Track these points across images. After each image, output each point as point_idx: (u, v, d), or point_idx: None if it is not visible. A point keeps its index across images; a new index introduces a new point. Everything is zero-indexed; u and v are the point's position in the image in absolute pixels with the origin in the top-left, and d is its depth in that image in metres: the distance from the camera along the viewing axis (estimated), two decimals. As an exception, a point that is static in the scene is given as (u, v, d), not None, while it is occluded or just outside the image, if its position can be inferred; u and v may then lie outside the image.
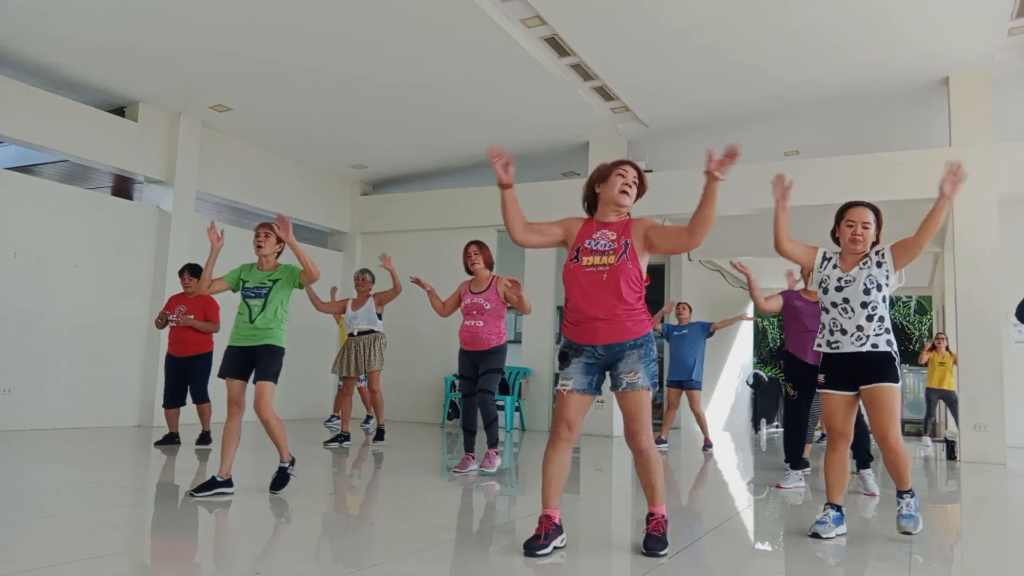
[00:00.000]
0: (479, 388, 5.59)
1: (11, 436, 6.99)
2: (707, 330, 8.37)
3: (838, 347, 3.71)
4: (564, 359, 3.32)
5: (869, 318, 3.65)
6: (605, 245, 3.27)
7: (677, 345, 8.36)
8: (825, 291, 3.79)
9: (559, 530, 3.22)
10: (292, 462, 4.56)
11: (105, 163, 8.50)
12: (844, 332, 3.68)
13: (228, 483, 4.31)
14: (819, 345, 3.81)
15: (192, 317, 6.70)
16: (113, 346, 8.51)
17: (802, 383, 5.38)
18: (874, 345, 3.63)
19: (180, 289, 6.98)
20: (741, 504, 5.04)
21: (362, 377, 7.64)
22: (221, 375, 4.46)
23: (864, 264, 3.73)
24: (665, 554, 3.15)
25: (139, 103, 8.75)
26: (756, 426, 13.63)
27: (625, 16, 6.88)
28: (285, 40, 7.30)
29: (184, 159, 9.10)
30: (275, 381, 4.40)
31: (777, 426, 14.14)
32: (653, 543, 3.15)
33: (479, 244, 5.73)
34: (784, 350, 5.64)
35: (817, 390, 3.85)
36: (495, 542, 3.54)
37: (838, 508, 3.70)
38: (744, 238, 12.16)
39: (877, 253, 3.74)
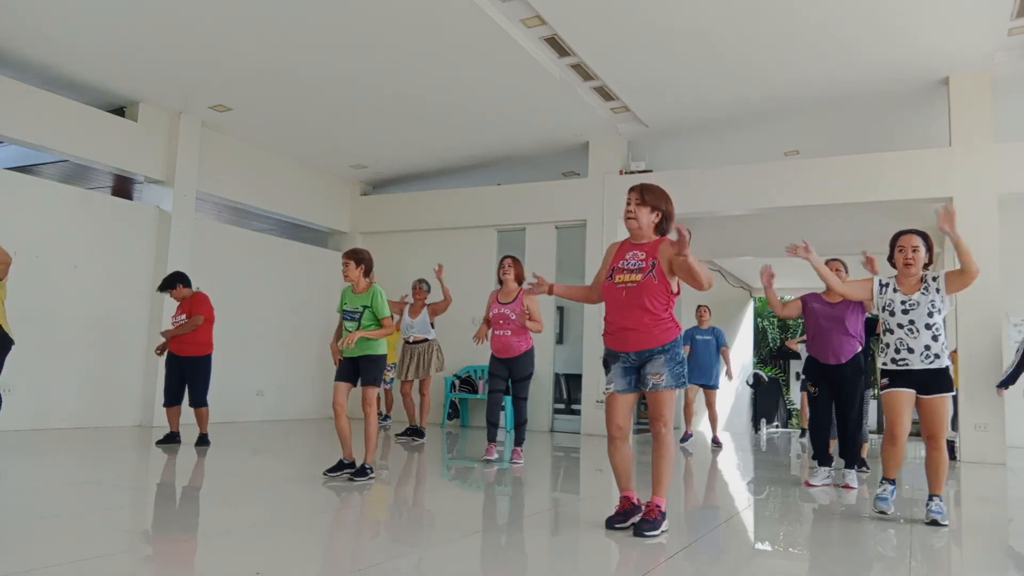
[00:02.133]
0: (516, 396, 6.32)
1: (11, 436, 6.99)
2: (722, 342, 8.80)
3: (906, 364, 4.11)
4: (606, 365, 3.78)
5: (934, 338, 4.08)
6: (635, 264, 3.64)
7: (699, 349, 8.62)
8: (892, 313, 4.17)
9: (637, 508, 3.67)
10: (372, 468, 5.06)
11: (105, 163, 8.50)
12: (911, 351, 4.09)
13: (353, 464, 5.09)
14: (884, 363, 4.19)
15: (184, 317, 6.77)
16: (113, 346, 8.50)
17: (822, 381, 5.49)
18: (940, 361, 4.07)
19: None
20: (741, 504, 5.04)
21: (390, 380, 8.55)
22: (336, 379, 5.16)
23: (925, 290, 4.11)
24: (654, 534, 3.46)
25: (139, 103, 8.75)
26: (756, 426, 13.63)
27: (625, 16, 6.88)
28: (285, 40, 7.30)
29: (184, 159, 9.09)
30: (377, 384, 5.10)
31: (777, 426, 14.15)
32: (643, 525, 3.49)
33: (514, 259, 6.37)
34: (809, 360, 5.68)
35: (880, 391, 4.25)
36: (498, 540, 3.54)
37: (893, 481, 4.27)
38: (744, 238, 12.17)
39: (935, 280, 4.11)
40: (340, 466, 5.09)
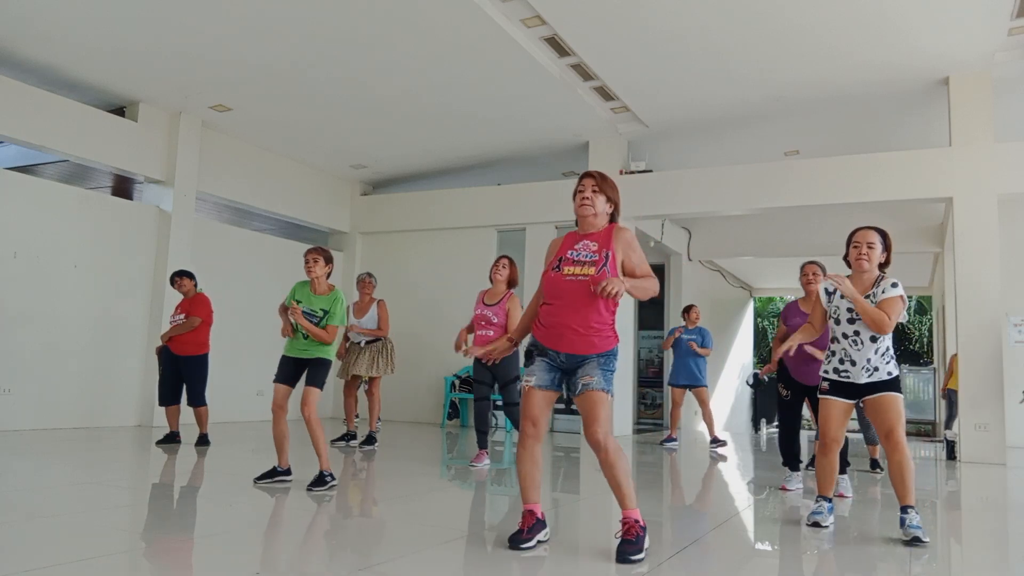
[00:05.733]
0: (506, 402, 6.01)
1: (11, 436, 6.99)
2: (708, 344, 8.59)
3: (848, 376, 3.84)
4: (529, 357, 3.43)
5: (877, 351, 3.79)
6: (587, 256, 3.31)
7: (684, 349, 8.47)
8: (837, 322, 3.90)
9: (542, 524, 3.34)
10: (331, 474, 4.78)
11: (105, 163, 8.50)
12: (854, 363, 3.82)
13: (287, 472, 4.86)
14: (826, 372, 3.94)
15: (183, 317, 6.78)
16: (113, 346, 8.51)
17: (793, 386, 5.33)
18: (883, 373, 3.80)
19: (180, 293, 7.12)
20: (741, 504, 5.04)
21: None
22: (275, 380, 4.90)
23: (874, 298, 3.81)
24: (640, 559, 3.07)
25: (139, 103, 8.76)
26: (756, 426, 13.63)
27: (625, 16, 6.87)
28: (285, 41, 7.30)
29: (184, 159, 9.10)
30: (320, 388, 4.86)
31: (777, 426, 14.15)
32: (626, 547, 3.09)
33: (511, 260, 6.08)
34: (780, 362, 5.53)
35: (818, 396, 3.99)
36: (496, 541, 3.54)
37: (829, 500, 4.03)
38: (744, 237, 12.18)
39: (884, 292, 3.80)
40: (273, 473, 4.81)
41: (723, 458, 7.78)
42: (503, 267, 5.98)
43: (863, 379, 3.79)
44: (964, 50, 7.55)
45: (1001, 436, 7.71)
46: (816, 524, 3.92)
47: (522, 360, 5.92)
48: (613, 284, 3.09)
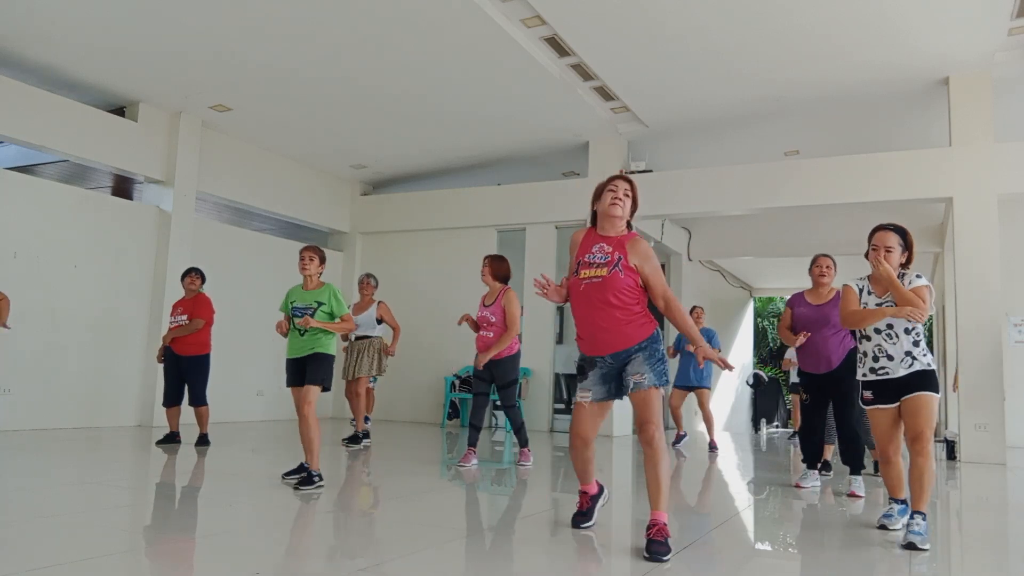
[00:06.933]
0: (503, 404, 6.06)
1: (11, 436, 6.99)
2: (715, 345, 8.53)
3: (887, 373, 3.76)
4: (581, 372, 3.52)
5: (915, 343, 3.74)
6: (601, 258, 3.41)
7: (689, 352, 8.44)
8: None
9: (596, 497, 3.72)
10: (319, 476, 4.69)
11: (105, 163, 8.50)
12: (891, 358, 3.74)
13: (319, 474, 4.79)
14: (864, 375, 3.86)
15: (186, 317, 6.78)
16: (113, 346, 8.51)
17: (813, 390, 5.33)
18: (922, 364, 3.72)
19: (179, 292, 7.10)
20: (741, 504, 5.04)
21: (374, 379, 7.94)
22: (287, 385, 4.95)
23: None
24: (668, 559, 3.12)
25: (139, 103, 8.76)
26: (756, 426, 13.63)
27: (625, 16, 6.88)
28: (285, 41, 7.31)
29: (184, 159, 9.10)
30: (320, 385, 4.80)
31: (777, 426, 14.16)
32: (657, 547, 3.13)
33: (491, 257, 6.05)
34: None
35: (864, 407, 3.93)
36: (496, 540, 3.54)
37: (903, 501, 3.93)
38: (744, 237, 12.18)
39: (910, 284, 3.75)
40: (301, 469, 4.86)
41: (715, 457, 7.97)
42: (484, 266, 6.05)
43: (902, 372, 3.71)
44: (964, 50, 7.55)
45: (1001, 436, 7.72)
46: (883, 527, 3.86)
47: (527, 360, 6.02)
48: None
